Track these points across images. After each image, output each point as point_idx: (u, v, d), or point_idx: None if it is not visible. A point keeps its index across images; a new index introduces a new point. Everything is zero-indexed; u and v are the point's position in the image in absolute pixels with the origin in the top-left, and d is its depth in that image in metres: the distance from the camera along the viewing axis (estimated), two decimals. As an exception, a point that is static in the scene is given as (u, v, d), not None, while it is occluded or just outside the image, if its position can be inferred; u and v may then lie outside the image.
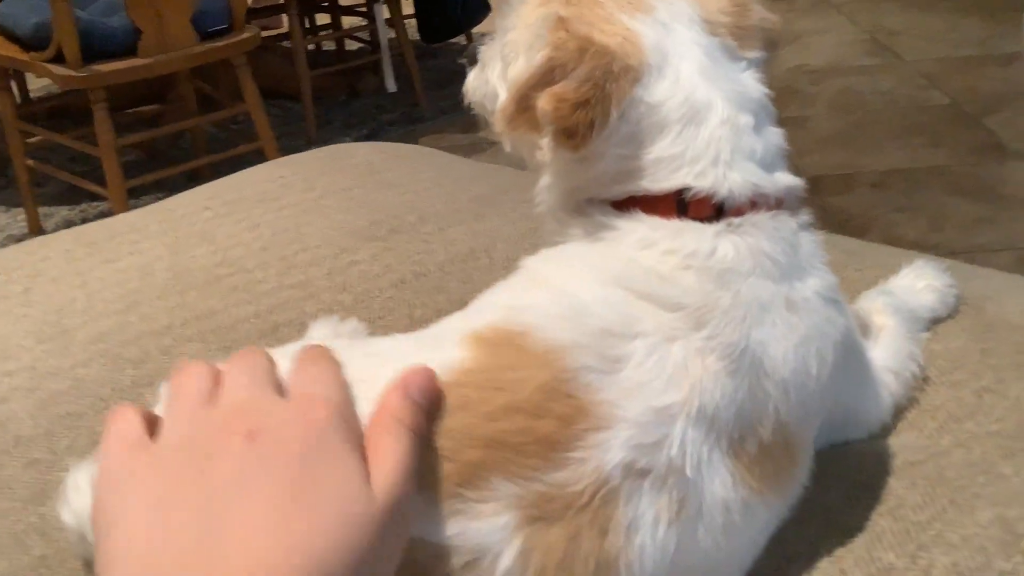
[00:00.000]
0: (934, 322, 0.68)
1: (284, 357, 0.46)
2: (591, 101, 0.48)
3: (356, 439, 0.40)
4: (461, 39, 4.25)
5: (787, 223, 0.51)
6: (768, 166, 0.52)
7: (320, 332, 0.71)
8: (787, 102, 3.35)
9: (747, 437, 0.46)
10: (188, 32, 2.49)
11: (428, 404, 0.43)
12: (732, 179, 0.50)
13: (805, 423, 0.50)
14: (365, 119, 3.59)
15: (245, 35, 2.61)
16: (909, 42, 3.93)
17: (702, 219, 0.50)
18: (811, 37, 4.16)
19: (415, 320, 0.75)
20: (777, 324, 0.48)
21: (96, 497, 0.40)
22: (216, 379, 0.44)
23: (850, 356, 0.53)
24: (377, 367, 0.45)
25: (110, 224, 1.00)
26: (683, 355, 0.46)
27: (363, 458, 0.39)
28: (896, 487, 0.53)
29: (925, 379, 0.62)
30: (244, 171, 1.18)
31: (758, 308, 0.48)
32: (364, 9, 3.71)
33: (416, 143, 3.32)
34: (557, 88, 0.49)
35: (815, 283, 0.51)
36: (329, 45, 4.17)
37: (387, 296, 0.80)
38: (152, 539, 0.36)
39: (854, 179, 2.69)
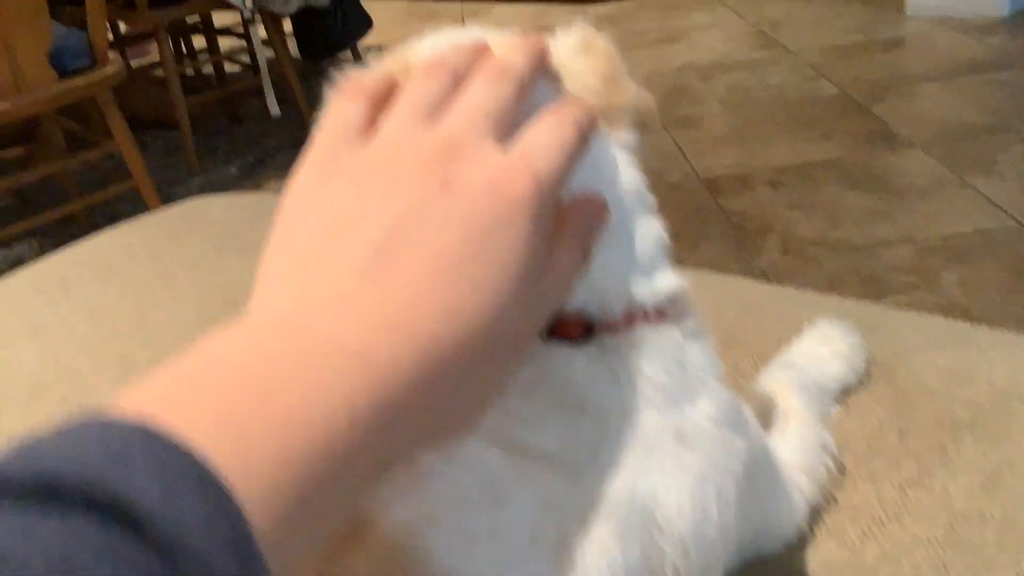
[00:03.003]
0: (844, 392, 0.61)
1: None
2: None
3: (548, 230, 0.37)
4: (345, 54, 4.13)
5: (670, 336, 0.43)
6: (645, 269, 0.44)
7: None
8: (679, 101, 3.32)
9: None
10: (45, 72, 2.32)
11: None
12: (603, 291, 0.42)
13: (709, 573, 0.42)
14: (250, 145, 3.45)
15: (108, 71, 2.45)
16: (794, 32, 3.95)
17: (571, 340, 0.41)
18: (698, 33, 4.16)
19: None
20: (667, 466, 0.40)
21: (298, 173, 0.39)
22: (458, 83, 0.40)
23: (757, 478, 0.46)
24: None
25: (-76, 322, 0.88)
26: (560, 523, 0.38)
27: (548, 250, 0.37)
28: (819, 621, 0.46)
29: (842, 469, 0.55)
30: (91, 238, 1.07)
31: (643, 449, 0.40)
32: (241, 31, 3.57)
33: (304, 168, 3.23)
34: None
35: (707, 406, 0.43)
36: (208, 69, 4.01)
37: (238, 399, 0.70)
38: (321, 246, 0.35)
39: (750, 178, 2.66)
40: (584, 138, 0.39)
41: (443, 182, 0.35)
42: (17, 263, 2.73)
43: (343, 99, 0.41)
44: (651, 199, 0.46)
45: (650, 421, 0.40)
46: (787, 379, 0.59)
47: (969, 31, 3.59)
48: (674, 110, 3.25)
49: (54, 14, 2.37)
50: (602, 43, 0.47)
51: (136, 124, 2.75)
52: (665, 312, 0.43)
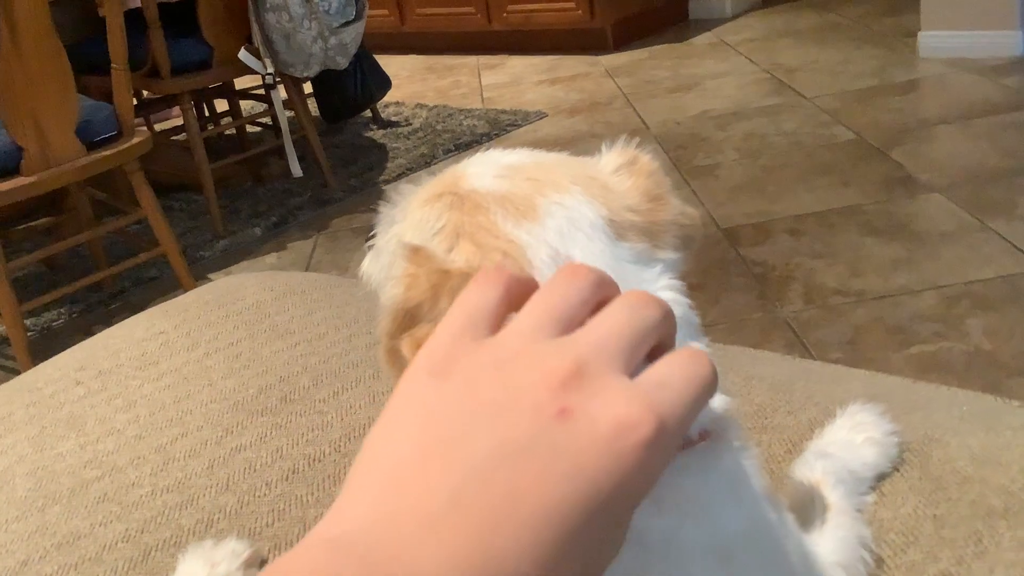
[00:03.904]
0: (878, 479, 0.62)
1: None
2: None
3: (663, 471, 0.34)
4: (365, 112, 4.19)
5: (714, 457, 0.43)
6: None
7: (189, 567, 0.62)
8: (695, 151, 3.34)
9: None
10: (73, 144, 2.38)
11: None
12: None
13: None
14: (273, 205, 3.49)
15: (135, 141, 2.50)
16: (808, 78, 3.98)
17: None
18: (712, 81, 4.20)
19: (308, 527, 0.67)
20: None
21: (419, 355, 0.36)
22: (600, 300, 0.37)
23: None
24: None
25: (-33, 416, 0.90)
26: None
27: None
28: None
29: (878, 562, 0.56)
30: (124, 324, 1.08)
31: (687, 572, 0.40)
32: (262, 92, 3.62)
33: (327, 226, 3.27)
34: (417, 332, 0.41)
35: (749, 524, 0.43)
36: (230, 131, 4.07)
37: (276, 494, 0.71)
38: (418, 458, 0.33)
39: (770, 227, 2.67)
40: (715, 384, 0.36)
41: (561, 410, 0.33)
42: (47, 330, 2.77)
43: (479, 284, 0.38)
44: (696, 320, 0.46)
45: (694, 541, 0.41)
46: (823, 470, 0.60)
47: (983, 72, 3.61)
48: (691, 159, 3.27)
49: (80, 85, 2.43)
50: (646, 161, 0.48)
51: (159, 187, 2.79)
52: (709, 433, 0.44)
